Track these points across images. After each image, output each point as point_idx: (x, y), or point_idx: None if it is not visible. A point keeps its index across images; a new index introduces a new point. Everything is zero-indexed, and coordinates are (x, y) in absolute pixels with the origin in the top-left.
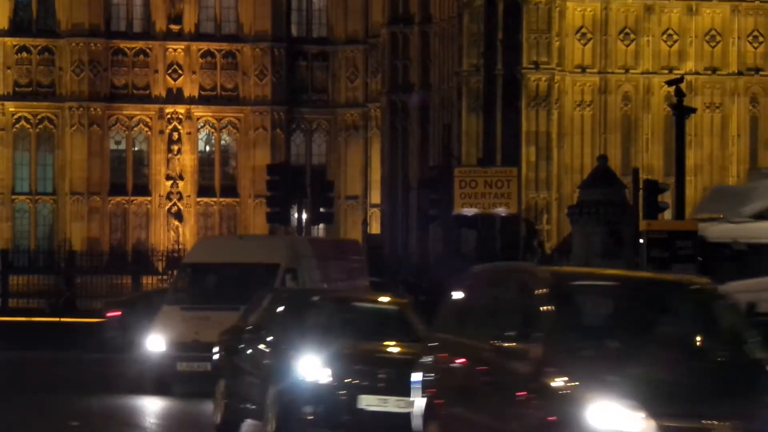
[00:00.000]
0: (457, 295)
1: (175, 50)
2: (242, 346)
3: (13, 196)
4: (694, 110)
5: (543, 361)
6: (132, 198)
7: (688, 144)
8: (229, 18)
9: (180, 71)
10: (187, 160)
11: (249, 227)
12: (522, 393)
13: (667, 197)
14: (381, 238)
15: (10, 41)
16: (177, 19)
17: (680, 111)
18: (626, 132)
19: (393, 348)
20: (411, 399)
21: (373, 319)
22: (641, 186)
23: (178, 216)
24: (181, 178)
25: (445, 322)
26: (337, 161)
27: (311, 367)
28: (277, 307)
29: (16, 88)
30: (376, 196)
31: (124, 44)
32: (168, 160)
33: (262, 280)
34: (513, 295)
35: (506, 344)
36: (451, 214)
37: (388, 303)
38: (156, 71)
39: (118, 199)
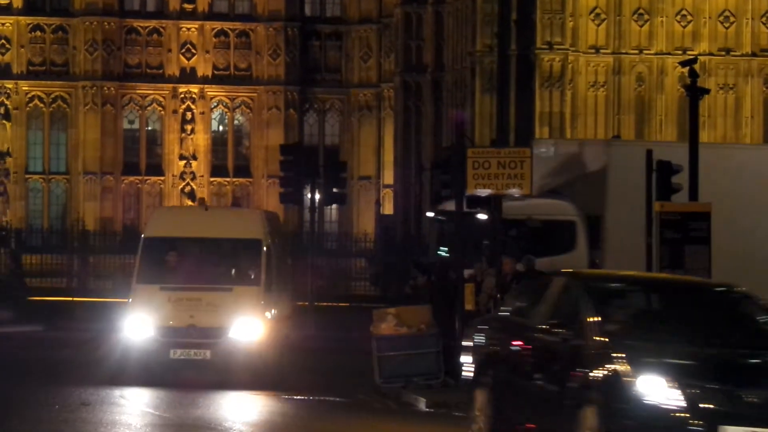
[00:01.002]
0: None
1: (188, 29)
2: (518, 348)
3: (27, 176)
4: (707, 91)
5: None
6: (145, 178)
7: (701, 125)
8: None
9: (193, 50)
10: (200, 140)
11: (263, 207)
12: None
13: (681, 178)
14: (393, 219)
15: (24, 20)
16: None
17: (694, 92)
18: (640, 113)
19: (753, 355)
20: None
21: (708, 313)
22: (654, 167)
23: (192, 196)
24: (195, 157)
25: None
26: (350, 141)
27: (653, 386)
28: (573, 298)
29: (30, 67)
30: (389, 177)
31: (138, 23)
32: (181, 140)
33: (245, 257)
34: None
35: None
36: (464, 194)
37: (727, 291)
38: (169, 50)
39: (132, 178)
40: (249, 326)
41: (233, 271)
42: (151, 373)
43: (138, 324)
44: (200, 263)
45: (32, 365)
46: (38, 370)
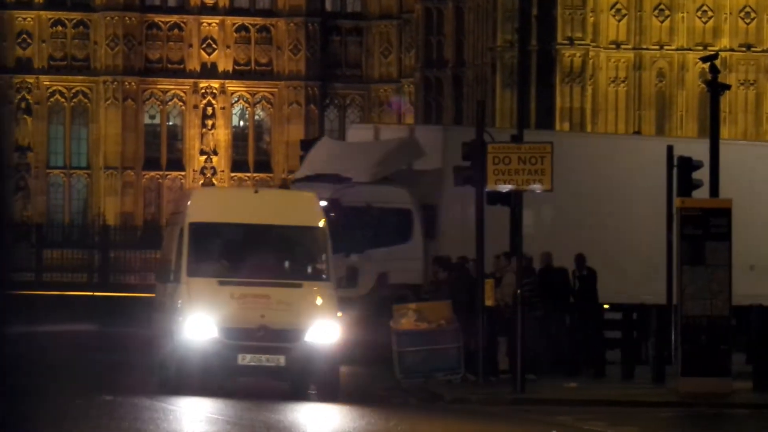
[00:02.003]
0: None
1: (209, 24)
2: None
3: (48, 170)
4: (728, 87)
5: None
6: (166, 173)
7: (722, 121)
8: None
9: (214, 45)
10: (221, 135)
11: None
12: None
13: (702, 174)
14: None
15: (45, 15)
16: None
17: (714, 88)
18: (660, 108)
19: None
20: None
21: None
22: (675, 163)
23: None
24: (215, 153)
25: None
26: None
27: None
28: None
29: (51, 62)
30: None
31: (159, 18)
32: (202, 135)
33: (307, 248)
34: None
35: None
36: (485, 190)
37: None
38: (190, 45)
39: (152, 173)
40: (326, 328)
41: (299, 264)
42: (216, 381)
43: (200, 324)
44: (258, 254)
45: (85, 368)
46: (92, 374)
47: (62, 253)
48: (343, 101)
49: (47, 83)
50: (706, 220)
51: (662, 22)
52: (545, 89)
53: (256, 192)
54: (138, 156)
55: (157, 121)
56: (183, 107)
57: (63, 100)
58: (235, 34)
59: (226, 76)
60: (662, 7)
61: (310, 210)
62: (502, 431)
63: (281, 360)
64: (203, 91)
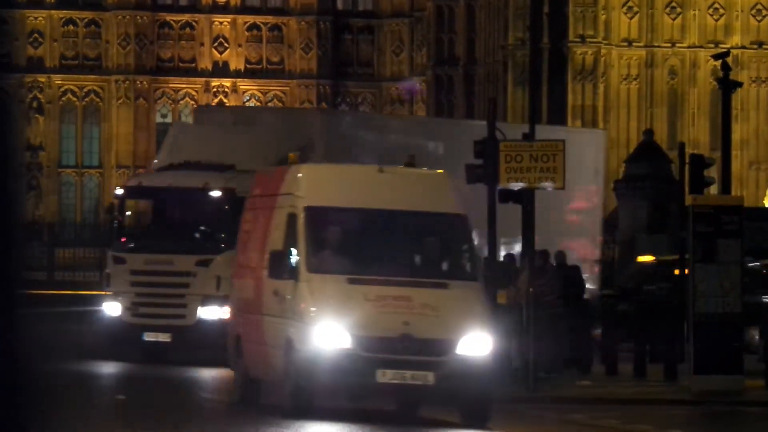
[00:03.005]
0: None
1: (221, 23)
2: None
3: (60, 169)
4: (740, 84)
5: None
6: None
7: (734, 118)
8: None
9: (226, 44)
10: None
11: None
12: None
13: (713, 172)
14: None
15: (56, 14)
16: None
17: (726, 85)
18: (672, 106)
19: None
20: None
21: None
22: (687, 160)
23: None
24: None
25: None
26: None
27: None
28: None
29: (63, 61)
30: None
31: (170, 17)
32: None
33: (445, 240)
34: None
35: None
36: (497, 188)
37: None
38: (202, 44)
39: None
40: (480, 339)
41: (437, 259)
42: (347, 401)
43: (328, 332)
44: (388, 246)
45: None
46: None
47: (74, 252)
48: (354, 99)
49: (59, 82)
50: (717, 218)
51: (674, 19)
52: (557, 87)
53: (380, 171)
54: (150, 155)
55: (168, 120)
56: (195, 106)
57: (75, 99)
58: (246, 33)
59: (237, 74)
60: (674, 4)
61: (447, 193)
62: (516, 430)
63: (429, 377)
64: (215, 89)
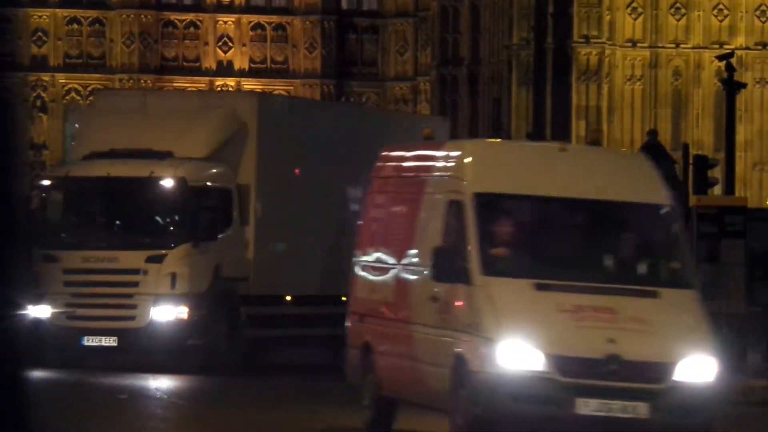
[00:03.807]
0: None
1: (225, 23)
2: None
3: None
4: (744, 85)
5: None
6: None
7: (738, 119)
8: None
9: (230, 44)
10: None
11: None
12: None
13: (717, 172)
14: None
15: (61, 13)
16: None
17: (730, 86)
18: (676, 107)
19: None
20: None
21: None
22: (691, 161)
23: None
24: None
25: None
26: None
27: None
28: None
29: (67, 60)
30: None
31: (175, 16)
32: None
33: (651, 236)
34: None
35: None
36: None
37: None
38: (206, 44)
39: None
40: (703, 362)
41: (641, 260)
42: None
43: (516, 351)
44: (577, 244)
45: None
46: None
47: None
48: (358, 99)
49: (63, 81)
50: (721, 218)
51: (678, 20)
52: (561, 87)
53: (562, 149)
54: None
55: None
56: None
57: (78, 98)
58: (250, 32)
59: (241, 74)
60: (678, 5)
61: (650, 178)
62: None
63: (641, 409)
64: (219, 89)
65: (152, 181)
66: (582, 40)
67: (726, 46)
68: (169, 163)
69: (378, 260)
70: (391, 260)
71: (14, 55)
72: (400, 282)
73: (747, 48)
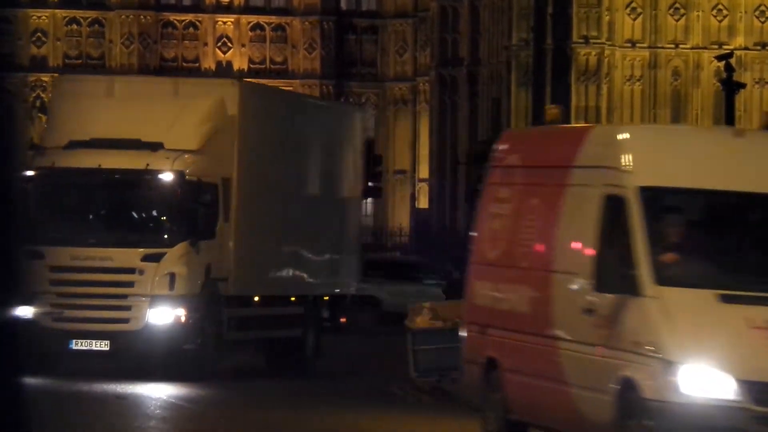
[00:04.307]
0: None
1: (224, 23)
2: None
3: None
4: (743, 86)
5: None
6: None
7: (737, 119)
8: None
9: (229, 44)
10: None
11: None
12: None
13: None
14: (429, 213)
15: (60, 13)
16: None
17: (730, 86)
18: (676, 107)
19: None
20: None
21: None
22: None
23: None
24: None
25: None
26: (386, 135)
27: None
28: None
29: (66, 60)
30: (424, 171)
31: (174, 17)
32: None
33: None
34: None
35: None
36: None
37: None
38: (205, 44)
39: None
40: None
41: None
42: None
43: (702, 377)
44: (762, 247)
45: None
46: None
47: None
48: (358, 99)
49: None
50: None
51: (677, 20)
52: (560, 88)
53: (738, 134)
54: None
55: None
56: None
57: None
58: (250, 33)
59: (241, 74)
60: (677, 5)
61: None
62: None
63: None
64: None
65: (149, 174)
66: (581, 40)
67: (725, 47)
68: (164, 155)
69: (505, 263)
70: (523, 263)
71: (14, 56)
72: (539, 289)
73: (746, 48)
